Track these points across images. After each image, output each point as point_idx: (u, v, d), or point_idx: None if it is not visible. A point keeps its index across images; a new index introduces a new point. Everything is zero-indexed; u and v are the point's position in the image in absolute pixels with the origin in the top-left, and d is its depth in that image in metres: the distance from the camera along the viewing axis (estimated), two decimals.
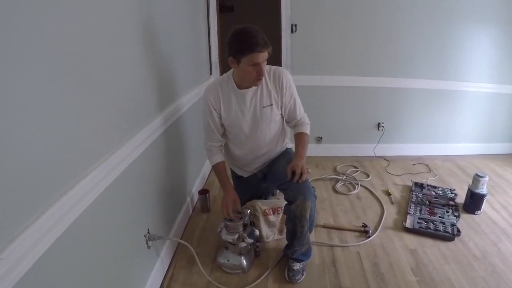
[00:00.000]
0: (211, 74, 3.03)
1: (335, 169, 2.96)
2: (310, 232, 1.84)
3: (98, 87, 1.16)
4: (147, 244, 1.60)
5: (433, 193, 2.42)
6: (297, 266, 1.75)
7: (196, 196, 2.46)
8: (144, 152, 1.54)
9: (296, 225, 1.68)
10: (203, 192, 2.37)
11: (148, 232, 1.61)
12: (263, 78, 1.72)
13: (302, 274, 1.75)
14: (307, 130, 1.82)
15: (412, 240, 2.00)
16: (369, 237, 2.03)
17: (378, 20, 2.76)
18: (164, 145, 1.86)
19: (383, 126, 3.04)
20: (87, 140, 1.10)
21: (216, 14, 2.85)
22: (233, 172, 2.09)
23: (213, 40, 2.91)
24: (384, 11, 2.75)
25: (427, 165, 3.01)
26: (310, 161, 3.11)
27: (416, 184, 2.56)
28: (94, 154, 1.14)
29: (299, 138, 1.80)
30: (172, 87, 2.02)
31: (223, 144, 1.93)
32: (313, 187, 1.78)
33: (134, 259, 1.49)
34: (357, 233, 2.08)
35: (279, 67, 1.80)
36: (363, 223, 2.13)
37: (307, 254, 1.79)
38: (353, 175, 2.82)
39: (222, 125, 1.85)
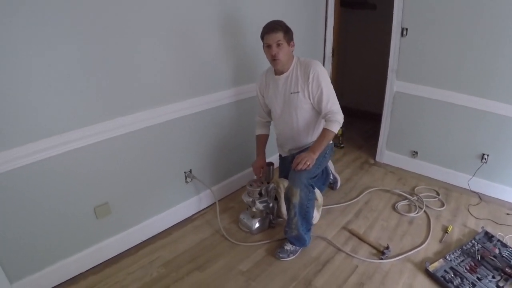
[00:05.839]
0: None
1: (413, 189, 2.66)
2: (305, 225, 1.90)
3: (186, 50, 1.97)
4: (185, 179, 2.20)
5: (497, 250, 1.89)
6: (288, 246, 1.95)
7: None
8: (212, 110, 2.22)
9: (287, 205, 1.89)
10: (268, 164, 2.73)
11: (190, 171, 2.20)
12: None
13: (288, 256, 1.93)
14: (332, 127, 1.88)
15: (423, 286, 1.74)
16: (381, 259, 1.92)
17: (506, 33, 2.16)
18: (233, 112, 2.41)
19: (486, 158, 2.46)
20: (172, 81, 1.96)
21: (335, 11, 2.97)
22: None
23: (328, 35, 3.07)
24: None
25: None
26: (396, 173, 2.91)
27: (486, 233, 2.04)
28: (176, 93, 2.00)
29: (322, 132, 1.92)
30: (252, 70, 2.45)
31: (268, 121, 2.27)
32: (311, 183, 1.86)
33: (171, 183, 2.15)
34: (374, 251, 2.00)
35: (313, 60, 1.95)
36: (387, 244, 2.01)
37: (298, 240, 1.93)
38: (425, 199, 2.49)
39: (267, 106, 2.18)
